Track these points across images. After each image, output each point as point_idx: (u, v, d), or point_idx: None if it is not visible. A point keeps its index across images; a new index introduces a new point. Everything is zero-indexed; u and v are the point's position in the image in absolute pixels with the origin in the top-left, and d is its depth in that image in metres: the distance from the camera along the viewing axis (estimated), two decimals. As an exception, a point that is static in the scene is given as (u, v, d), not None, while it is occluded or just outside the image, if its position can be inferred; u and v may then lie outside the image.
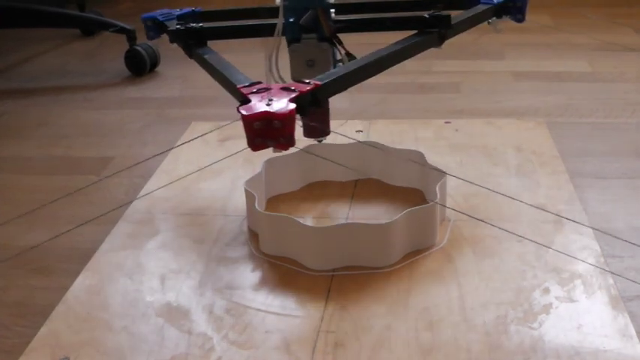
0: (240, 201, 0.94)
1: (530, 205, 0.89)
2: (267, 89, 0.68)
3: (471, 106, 1.27)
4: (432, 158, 0.95)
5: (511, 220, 0.86)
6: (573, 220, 0.85)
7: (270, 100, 0.65)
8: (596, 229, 0.83)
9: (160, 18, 0.93)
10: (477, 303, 0.72)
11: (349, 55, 0.80)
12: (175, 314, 0.73)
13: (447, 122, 1.17)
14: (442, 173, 0.86)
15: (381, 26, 0.84)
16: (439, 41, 0.83)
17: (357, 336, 0.69)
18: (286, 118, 0.62)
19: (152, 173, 1.06)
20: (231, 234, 0.88)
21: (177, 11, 0.97)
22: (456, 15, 0.85)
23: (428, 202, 0.87)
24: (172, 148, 1.15)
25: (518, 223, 0.86)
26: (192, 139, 1.18)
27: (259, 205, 0.85)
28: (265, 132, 0.62)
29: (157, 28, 0.93)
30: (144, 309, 0.74)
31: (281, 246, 0.81)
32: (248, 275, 0.79)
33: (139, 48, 1.57)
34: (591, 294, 0.72)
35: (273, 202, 0.94)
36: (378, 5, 0.98)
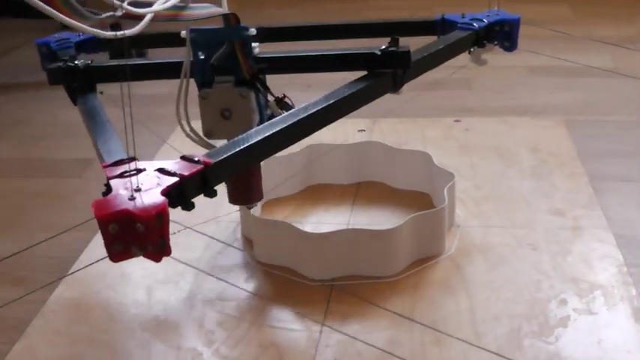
0: (233, 206, 0.95)
1: (547, 210, 0.90)
2: (138, 171, 0.55)
3: (482, 103, 1.28)
4: (440, 160, 0.95)
5: (525, 227, 0.87)
6: (593, 227, 0.86)
7: (137, 189, 0.52)
8: (618, 236, 0.83)
9: (54, 46, 0.83)
10: (488, 316, 0.72)
11: (280, 102, 0.69)
12: (163, 328, 0.74)
13: (456, 121, 1.18)
14: (451, 176, 0.87)
15: (318, 66, 0.73)
16: (394, 86, 0.71)
17: (359, 351, 0.69)
18: (152, 220, 0.49)
19: (138, 176, 1.07)
20: (224, 241, 0.88)
21: (76, 36, 0.85)
22: (423, 47, 0.75)
23: (435, 207, 0.87)
24: (159, 150, 1.16)
25: (533, 230, 0.86)
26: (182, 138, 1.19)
27: (254, 210, 0.85)
28: (126, 237, 0.50)
29: (52, 57, 0.82)
30: (128, 323, 0.75)
31: (277, 254, 0.82)
32: (241, 285, 0.79)
33: (123, 40, 1.58)
34: (612, 306, 0.73)
35: (269, 206, 0.95)
36: (315, 31, 0.85)
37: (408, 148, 0.95)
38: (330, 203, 0.95)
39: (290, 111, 0.67)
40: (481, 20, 0.83)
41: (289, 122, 0.64)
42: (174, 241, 0.92)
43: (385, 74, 0.71)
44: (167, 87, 1.53)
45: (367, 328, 0.72)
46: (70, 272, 0.84)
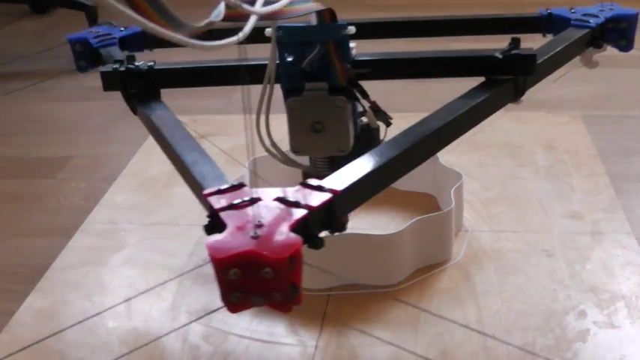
0: (220, 208, 0.95)
1: (563, 214, 0.90)
2: (252, 201, 0.49)
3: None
4: (447, 158, 0.95)
5: (540, 231, 0.87)
6: (615, 232, 0.85)
7: (259, 224, 0.47)
8: (640, 242, 0.84)
9: (95, 43, 0.79)
10: (499, 328, 0.72)
11: (378, 113, 0.64)
12: (143, 342, 0.73)
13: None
14: (458, 176, 0.87)
15: (428, 71, 0.68)
16: (515, 94, 0.66)
17: (358, 367, 0.69)
18: (284, 263, 0.44)
19: (117, 176, 1.07)
20: (210, 247, 0.88)
21: (118, 30, 0.81)
22: (539, 49, 0.70)
23: (441, 210, 0.87)
24: (141, 147, 1.16)
25: (548, 235, 0.86)
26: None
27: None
28: (249, 284, 0.45)
29: (90, 56, 0.79)
30: (105, 337, 0.74)
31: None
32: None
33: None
34: (636, 319, 0.72)
35: (260, 209, 0.95)
36: (398, 27, 0.81)
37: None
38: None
39: (408, 128, 0.61)
40: (596, 16, 0.78)
41: (414, 140, 0.59)
42: (155, 245, 0.92)
43: (506, 81, 0.66)
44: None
45: (367, 343, 0.71)
46: (41, 281, 0.84)
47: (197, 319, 0.76)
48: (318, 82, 0.62)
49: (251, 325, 0.75)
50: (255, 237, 0.46)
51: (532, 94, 1.25)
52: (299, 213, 0.48)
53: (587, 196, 0.94)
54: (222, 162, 1.08)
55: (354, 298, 0.77)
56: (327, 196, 0.50)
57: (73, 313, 0.78)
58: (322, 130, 0.62)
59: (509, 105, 1.29)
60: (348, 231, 0.87)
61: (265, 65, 0.61)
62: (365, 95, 0.63)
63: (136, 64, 0.71)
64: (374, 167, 0.55)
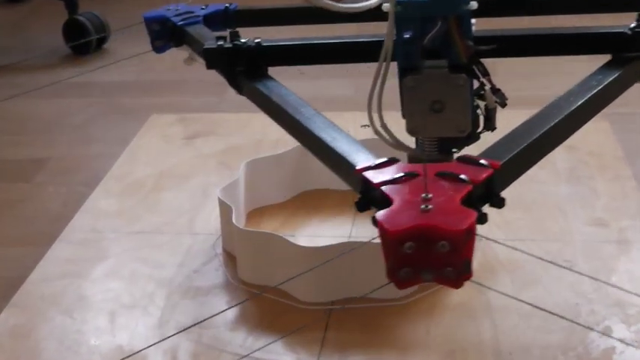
0: (212, 215, 0.95)
1: (586, 221, 0.90)
2: (411, 175, 0.54)
3: (508, 92, 1.27)
4: (460, 160, 0.95)
5: (560, 240, 0.87)
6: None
7: (427, 198, 0.51)
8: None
9: (178, 21, 0.82)
10: (516, 346, 0.72)
11: (497, 92, 0.66)
12: (128, 361, 0.74)
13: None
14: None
15: (552, 48, 0.72)
16: None
17: (362, 388, 0.70)
18: (461, 237, 0.48)
19: (99, 180, 1.07)
20: (201, 257, 0.88)
21: (199, 8, 0.84)
22: None
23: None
24: (126, 147, 1.16)
25: (569, 244, 0.86)
26: (152, 136, 1.19)
27: (237, 220, 0.85)
28: (421, 259, 0.48)
29: (169, 34, 0.81)
30: (87, 355, 0.75)
31: (265, 272, 0.82)
32: (222, 310, 0.80)
33: (81, 18, 1.58)
34: (665, 335, 0.73)
35: (256, 215, 0.95)
36: (543, 3, 0.84)
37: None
38: (328, 212, 0.95)
39: (548, 105, 0.65)
40: None
41: (558, 116, 0.63)
42: (141, 255, 0.93)
43: (636, 59, 0.68)
44: (133, 74, 1.53)
45: (372, 361, 0.72)
46: (16, 295, 0.84)
47: (185, 329, 0.76)
48: (437, 60, 0.62)
49: (246, 342, 0.75)
50: (426, 210, 0.49)
51: (550, 87, 1.26)
52: (464, 187, 0.52)
53: (613, 202, 0.94)
54: (213, 165, 1.09)
55: (358, 312, 0.78)
56: (487, 170, 0.54)
57: (52, 331, 0.78)
58: (442, 110, 0.63)
59: (528, 101, 1.29)
60: (350, 239, 0.89)
61: (380, 42, 0.62)
62: (486, 73, 0.65)
63: (241, 41, 0.74)
64: (528, 142, 0.59)
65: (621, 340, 0.72)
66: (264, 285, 0.82)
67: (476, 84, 0.65)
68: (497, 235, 0.89)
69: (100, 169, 1.10)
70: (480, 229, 0.88)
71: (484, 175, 0.54)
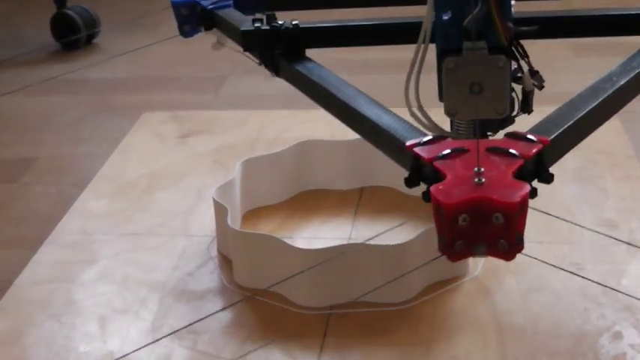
0: (207, 216, 0.95)
1: (595, 222, 0.90)
2: (462, 150, 0.58)
3: (517, 89, 1.28)
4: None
5: (569, 242, 0.88)
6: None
7: (479, 172, 0.55)
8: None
9: (206, 4, 0.85)
10: (523, 352, 0.73)
11: (535, 75, 0.69)
12: (119, 367, 0.74)
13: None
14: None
15: (594, 29, 0.74)
16: None
17: (363, 396, 0.70)
18: (515, 209, 0.52)
19: (89, 180, 1.08)
20: (196, 260, 0.89)
21: None
22: None
23: (458, 218, 0.88)
24: (117, 146, 1.16)
25: (578, 246, 0.87)
26: (145, 135, 1.19)
27: (233, 222, 0.86)
28: (475, 231, 0.52)
29: (199, 18, 0.84)
30: (77, 361, 0.75)
31: (262, 276, 0.82)
32: (218, 315, 0.80)
33: (70, 12, 1.58)
34: (678, 340, 0.73)
35: (252, 217, 0.96)
36: None
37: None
38: (327, 213, 0.95)
39: (593, 83, 0.69)
40: None
41: (604, 93, 0.67)
42: (133, 258, 0.93)
43: None
44: (124, 70, 1.53)
45: (373, 368, 0.72)
46: (3, 299, 0.84)
47: (177, 330, 0.76)
48: (477, 41, 0.64)
49: (243, 348, 0.75)
50: (480, 184, 0.53)
51: (557, 83, 1.26)
52: (516, 161, 0.56)
53: (623, 202, 0.94)
54: (207, 164, 1.09)
55: (358, 317, 0.78)
56: (537, 145, 0.58)
57: (40, 336, 0.79)
58: (481, 92, 0.65)
59: (537, 98, 1.29)
60: (350, 240, 0.89)
61: (419, 24, 0.65)
62: (525, 55, 0.67)
63: (278, 23, 0.77)
64: (576, 118, 0.63)
65: (632, 346, 0.73)
66: (261, 289, 0.82)
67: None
68: (503, 237, 0.89)
69: (90, 168, 1.10)
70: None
71: (534, 150, 0.57)
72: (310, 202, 0.98)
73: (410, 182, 0.59)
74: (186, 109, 1.29)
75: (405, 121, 0.65)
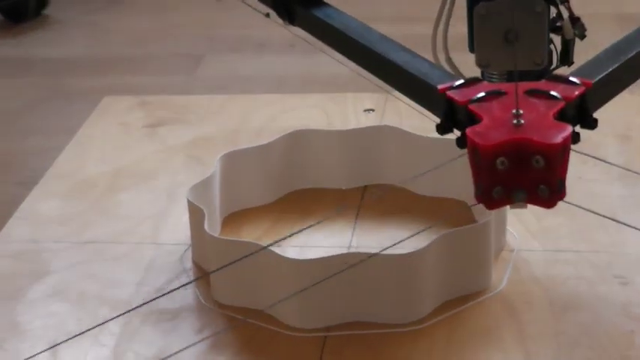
0: (180, 221, 0.95)
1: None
2: (499, 93, 0.64)
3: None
4: (486, 152, 0.96)
5: (611, 251, 0.88)
6: None
7: (518, 114, 0.60)
8: None
9: None
10: (555, 382, 0.73)
11: (576, 22, 0.73)
12: (75, 401, 0.74)
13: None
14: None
15: None
16: None
17: None
18: (557, 151, 0.57)
19: (39, 178, 1.08)
20: (167, 273, 0.89)
21: None
22: None
23: (476, 221, 0.88)
24: (73, 138, 1.16)
25: (622, 256, 0.87)
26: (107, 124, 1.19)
27: (211, 227, 0.86)
28: (514, 176, 0.58)
29: None
30: (24, 394, 0.75)
31: (246, 292, 0.82)
32: (193, 339, 0.80)
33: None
34: None
35: (234, 221, 0.96)
36: None
37: (437, 137, 0.96)
38: (324, 216, 0.95)
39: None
40: None
41: None
42: (92, 271, 0.93)
43: None
44: (82, 47, 1.52)
45: (377, 401, 0.73)
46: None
47: (146, 358, 0.76)
48: None
49: (221, 378, 0.76)
50: (519, 125, 0.59)
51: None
52: (557, 103, 0.61)
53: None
54: (180, 159, 1.09)
55: (360, 340, 0.78)
56: (579, 88, 0.63)
57: (-20, 365, 0.79)
58: (516, 40, 0.68)
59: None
60: (350, 249, 0.89)
61: None
62: (566, 0, 0.72)
63: None
64: (622, 60, 0.68)
65: (685, 376, 0.73)
66: (245, 307, 0.82)
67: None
68: (533, 245, 0.89)
69: (40, 165, 1.10)
70: (511, 236, 0.89)
71: (577, 93, 0.62)
72: (303, 203, 0.98)
73: (441, 129, 0.64)
74: (156, 93, 1.29)
75: (436, 66, 0.70)
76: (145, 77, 1.38)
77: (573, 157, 1.02)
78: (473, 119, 0.61)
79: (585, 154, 0.69)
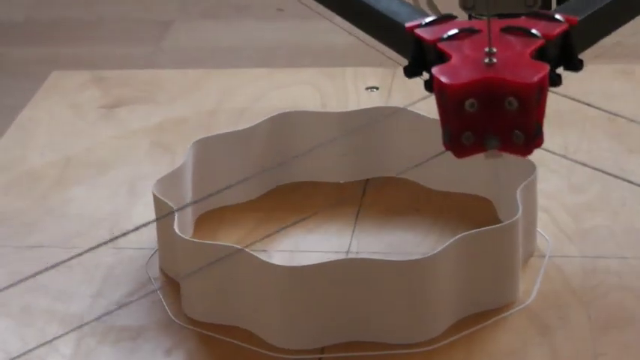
0: (144, 220, 0.95)
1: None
2: (472, 31, 0.67)
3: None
4: (513, 139, 0.96)
5: (662, 257, 0.89)
6: None
7: (491, 52, 0.63)
8: None
9: None
10: (595, 413, 0.74)
11: None
12: None
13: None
14: (529, 167, 0.88)
15: None
16: None
17: None
18: (532, 92, 0.60)
19: (-27, 169, 1.08)
20: (128, 283, 0.89)
21: None
22: None
23: (501, 222, 0.89)
24: (14, 122, 1.16)
25: (675, 263, 0.88)
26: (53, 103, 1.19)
27: (182, 228, 0.86)
28: (485, 120, 0.61)
29: None
30: None
31: (223, 305, 0.83)
32: (159, 361, 0.81)
33: None
34: None
35: (210, 221, 0.97)
36: None
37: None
38: (318, 216, 0.96)
39: None
40: None
41: None
42: (39, 281, 0.93)
43: None
44: (21, 12, 1.52)
45: None
46: None
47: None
48: None
49: (194, 409, 0.76)
50: (491, 64, 0.62)
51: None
52: (535, 41, 0.65)
53: None
54: (145, 147, 1.09)
55: (361, 364, 0.79)
56: (562, 25, 0.66)
57: None
58: None
59: (616, 52, 1.30)
60: (349, 255, 0.89)
61: None
62: None
63: None
64: None
65: None
66: (222, 324, 0.83)
67: None
68: (569, 250, 0.90)
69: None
70: (542, 240, 0.90)
71: (558, 30, 0.66)
72: (293, 199, 0.99)
73: (408, 72, 0.67)
74: (115, 67, 1.29)
75: (407, 4, 0.73)
76: (101, 47, 1.38)
77: (615, 143, 1.03)
78: (443, 59, 0.64)
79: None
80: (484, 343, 0.80)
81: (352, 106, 1.09)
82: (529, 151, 0.62)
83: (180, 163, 0.92)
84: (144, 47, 1.36)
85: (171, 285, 0.88)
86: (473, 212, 0.95)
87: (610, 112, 0.92)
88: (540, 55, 0.64)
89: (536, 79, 0.60)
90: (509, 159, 0.90)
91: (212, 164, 0.96)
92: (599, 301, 0.84)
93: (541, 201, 0.92)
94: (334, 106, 1.07)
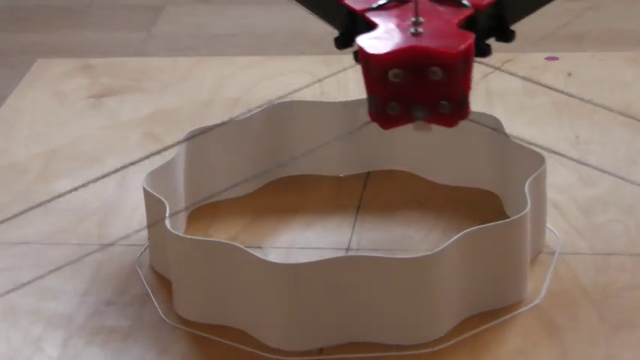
0: (135, 216, 0.96)
1: None
2: (401, 1, 0.70)
3: (602, 24, 1.28)
4: (519, 130, 0.96)
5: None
6: None
7: (418, 22, 0.67)
8: None
9: None
10: (606, 417, 0.74)
11: None
12: None
13: (549, 59, 1.20)
14: (538, 159, 0.88)
15: None
16: None
17: None
18: (457, 61, 0.63)
19: (-47, 162, 1.08)
20: (117, 282, 0.89)
21: None
22: None
23: (508, 217, 0.89)
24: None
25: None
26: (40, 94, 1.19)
27: (174, 224, 0.86)
28: (411, 91, 0.64)
29: None
30: None
31: (217, 304, 0.83)
32: (150, 364, 0.81)
33: None
34: None
35: (203, 216, 0.97)
36: None
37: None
38: (315, 211, 0.96)
39: None
40: None
41: None
42: (23, 279, 0.93)
43: None
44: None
45: None
46: None
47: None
48: None
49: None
50: (416, 34, 0.65)
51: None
52: (464, 11, 0.68)
53: None
54: (135, 138, 1.09)
55: (362, 366, 0.79)
56: None
57: None
58: None
59: (630, 39, 1.30)
60: (349, 252, 0.89)
61: None
62: None
63: None
64: None
65: None
66: (216, 324, 0.83)
67: None
68: (580, 246, 0.90)
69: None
70: (552, 236, 0.90)
71: (489, 0, 0.69)
72: (290, 194, 0.99)
73: (340, 42, 0.72)
74: (103, 55, 1.29)
75: None
76: (88, 33, 1.38)
77: (629, 134, 1.03)
78: (371, 29, 0.68)
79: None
80: (490, 344, 0.80)
81: (352, 95, 1.09)
82: (455, 123, 0.65)
83: (172, 156, 0.92)
84: (134, 34, 1.36)
85: (163, 283, 0.88)
86: (479, 207, 0.95)
87: (612, 111, 0.91)
88: (469, 24, 0.67)
89: (460, 48, 0.63)
90: (517, 151, 0.90)
91: (206, 156, 0.96)
92: (612, 300, 0.84)
93: (550, 195, 0.92)
94: (333, 95, 1.06)
